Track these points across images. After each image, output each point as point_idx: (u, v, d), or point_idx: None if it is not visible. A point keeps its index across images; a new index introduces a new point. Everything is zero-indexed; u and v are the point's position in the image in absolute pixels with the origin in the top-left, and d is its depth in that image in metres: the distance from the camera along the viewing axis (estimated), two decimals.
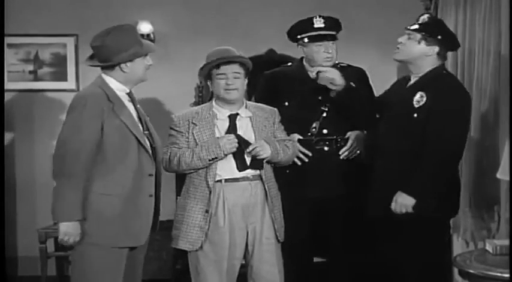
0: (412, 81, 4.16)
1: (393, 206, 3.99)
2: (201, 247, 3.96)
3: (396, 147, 4.08)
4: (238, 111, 4.06)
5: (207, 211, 3.94)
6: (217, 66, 3.98)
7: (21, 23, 6.06)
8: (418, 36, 4.07)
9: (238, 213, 3.98)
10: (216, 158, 3.92)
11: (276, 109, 4.19)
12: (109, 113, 3.67)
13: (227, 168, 3.97)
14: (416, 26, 4.09)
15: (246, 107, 4.09)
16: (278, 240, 4.07)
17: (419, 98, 4.03)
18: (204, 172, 3.97)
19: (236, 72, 3.99)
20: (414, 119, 4.01)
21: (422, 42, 4.07)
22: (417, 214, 3.98)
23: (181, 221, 4.00)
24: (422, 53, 4.07)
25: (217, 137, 3.96)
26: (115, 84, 3.76)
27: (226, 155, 3.93)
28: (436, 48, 4.07)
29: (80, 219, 3.63)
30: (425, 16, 4.13)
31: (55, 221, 3.65)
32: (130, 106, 3.80)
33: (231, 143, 3.93)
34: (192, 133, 3.99)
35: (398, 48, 4.13)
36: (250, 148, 3.95)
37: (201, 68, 4.04)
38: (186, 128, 4.02)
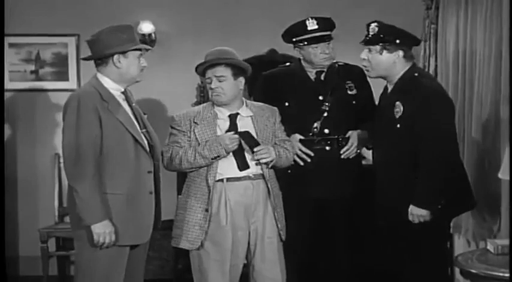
0: (389, 90, 4.14)
1: (410, 218, 3.98)
2: (203, 246, 3.96)
3: (388, 157, 4.07)
4: (239, 111, 4.06)
5: (206, 210, 3.94)
6: (204, 70, 4.01)
7: (23, 22, 6.06)
8: (378, 47, 4.03)
9: (240, 212, 3.98)
10: (218, 156, 3.92)
11: (276, 108, 4.20)
12: (104, 112, 3.68)
13: (228, 167, 3.97)
14: (370, 38, 4.04)
15: (246, 106, 4.09)
16: (280, 239, 4.07)
17: (397, 108, 4.01)
18: (204, 171, 3.97)
19: (220, 76, 3.98)
20: (397, 129, 4.00)
21: (384, 52, 4.02)
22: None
23: (182, 220, 4.00)
24: (389, 62, 4.03)
25: (218, 136, 3.96)
26: (109, 84, 3.77)
27: (228, 153, 3.94)
28: (400, 52, 4.02)
29: (109, 217, 3.65)
30: (374, 25, 4.05)
31: (86, 225, 3.64)
32: (125, 105, 3.81)
33: (232, 142, 3.93)
34: (194, 132, 4.00)
35: (365, 66, 4.10)
36: (256, 149, 3.95)
37: (196, 72, 4.08)
38: (187, 127, 4.02)
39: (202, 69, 4.03)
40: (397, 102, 4.01)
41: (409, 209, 3.97)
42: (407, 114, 3.97)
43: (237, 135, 3.94)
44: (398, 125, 4.00)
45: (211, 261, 3.97)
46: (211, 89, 4.00)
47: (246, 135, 3.96)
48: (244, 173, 3.99)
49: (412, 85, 4.01)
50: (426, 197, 3.95)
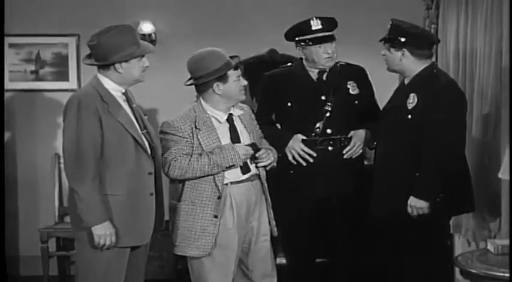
0: (405, 83, 4.20)
1: (409, 210, 4.00)
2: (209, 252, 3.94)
3: (395, 149, 4.10)
4: (231, 112, 4.04)
5: (215, 216, 3.90)
6: (235, 68, 3.96)
7: (23, 23, 6.06)
8: (387, 45, 4.16)
9: (244, 212, 3.97)
10: (233, 165, 3.91)
11: (248, 106, 4.20)
12: (104, 113, 3.67)
13: (232, 171, 3.95)
14: (385, 37, 4.17)
15: (233, 106, 4.07)
16: (271, 236, 4.08)
17: (411, 99, 4.07)
18: (211, 177, 3.92)
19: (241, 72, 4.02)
20: (409, 120, 4.05)
21: (392, 50, 4.14)
22: (420, 216, 3.99)
23: (188, 228, 3.92)
24: (396, 59, 4.13)
25: (231, 145, 3.92)
26: (110, 85, 3.76)
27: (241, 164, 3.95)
28: (406, 50, 4.10)
29: (109, 218, 3.65)
30: (389, 24, 4.18)
31: (87, 226, 3.64)
32: (125, 106, 3.80)
33: (247, 154, 3.93)
34: (198, 138, 3.92)
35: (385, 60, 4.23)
36: (258, 155, 3.98)
37: (218, 70, 3.92)
38: (189, 133, 3.92)
39: (229, 69, 3.94)
40: (412, 94, 4.08)
41: (409, 201, 3.99)
42: (421, 105, 4.02)
43: (249, 147, 3.96)
44: (409, 116, 4.05)
45: (216, 265, 3.93)
46: (244, 86, 3.98)
47: (254, 147, 3.98)
48: (245, 176, 3.99)
49: (428, 80, 4.09)
50: (426, 187, 3.98)
